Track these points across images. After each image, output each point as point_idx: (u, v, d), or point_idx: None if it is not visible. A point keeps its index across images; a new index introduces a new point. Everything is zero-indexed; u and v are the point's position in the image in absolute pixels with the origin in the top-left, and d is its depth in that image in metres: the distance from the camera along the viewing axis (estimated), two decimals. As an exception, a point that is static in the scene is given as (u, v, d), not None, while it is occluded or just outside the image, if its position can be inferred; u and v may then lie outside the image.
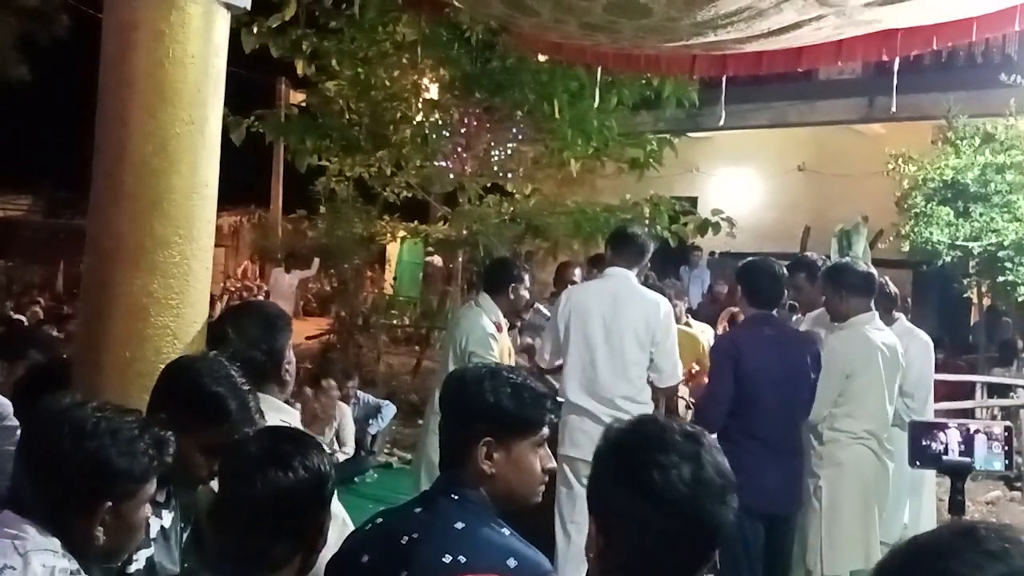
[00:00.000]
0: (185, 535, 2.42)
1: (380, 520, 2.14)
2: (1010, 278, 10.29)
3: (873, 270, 4.88)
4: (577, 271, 6.50)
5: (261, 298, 16.40)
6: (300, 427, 2.78)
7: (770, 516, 4.33)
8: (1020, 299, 10.54)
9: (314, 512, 1.95)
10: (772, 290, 4.53)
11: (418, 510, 2.09)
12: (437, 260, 17.14)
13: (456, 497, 2.05)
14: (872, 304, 4.68)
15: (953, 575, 1.26)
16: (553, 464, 2.14)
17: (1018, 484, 8.43)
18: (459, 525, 1.99)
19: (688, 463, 1.58)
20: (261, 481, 1.86)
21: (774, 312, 4.57)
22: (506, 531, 2.01)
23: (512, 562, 1.91)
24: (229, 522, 1.91)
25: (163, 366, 2.65)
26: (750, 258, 4.70)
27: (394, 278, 18.11)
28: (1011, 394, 9.59)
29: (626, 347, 4.68)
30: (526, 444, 2.08)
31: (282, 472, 1.87)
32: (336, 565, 2.11)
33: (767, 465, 4.29)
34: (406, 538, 2.00)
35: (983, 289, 11.49)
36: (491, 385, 2.09)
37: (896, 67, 4.92)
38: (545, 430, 2.11)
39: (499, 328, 5.14)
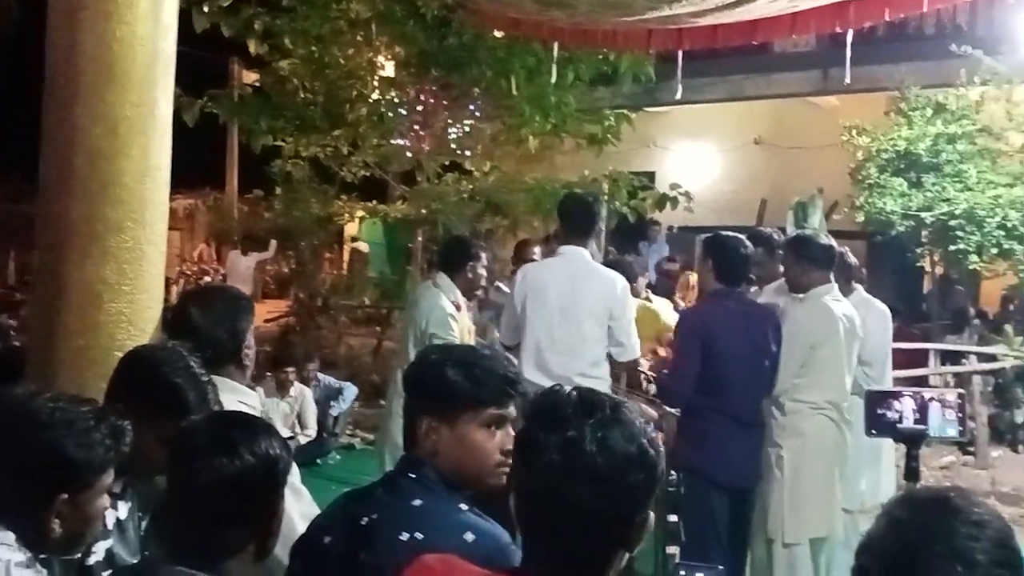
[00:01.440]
0: (144, 524, 2.39)
1: (343, 502, 2.14)
2: (961, 247, 10.45)
3: (833, 242, 4.92)
4: (536, 249, 6.48)
5: (220, 281, 16.24)
6: (259, 408, 2.75)
7: (734, 489, 4.38)
8: (971, 267, 10.72)
9: (266, 497, 1.91)
10: (740, 267, 4.56)
11: (380, 491, 2.08)
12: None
13: (414, 476, 2.03)
14: (831, 276, 4.73)
15: (957, 552, 1.33)
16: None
17: (971, 448, 8.61)
18: (416, 503, 1.98)
19: (560, 438, 1.50)
20: (207, 469, 1.83)
21: (738, 288, 4.60)
22: (463, 506, 2.00)
23: (469, 536, 1.90)
24: (180, 510, 1.88)
25: (118, 353, 2.61)
26: (719, 232, 4.67)
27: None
28: (963, 360, 9.77)
29: (583, 325, 4.65)
30: (472, 422, 2.02)
31: (227, 459, 1.83)
32: (300, 547, 2.10)
33: (735, 440, 4.34)
34: (366, 519, 2.00)
35: (936, 258, 11.67)
36: (437, 361, 2.07)
37: (849, 39, 4.93)
38: (496, 409, 2.04)
39: (458, 307, 5.12)
